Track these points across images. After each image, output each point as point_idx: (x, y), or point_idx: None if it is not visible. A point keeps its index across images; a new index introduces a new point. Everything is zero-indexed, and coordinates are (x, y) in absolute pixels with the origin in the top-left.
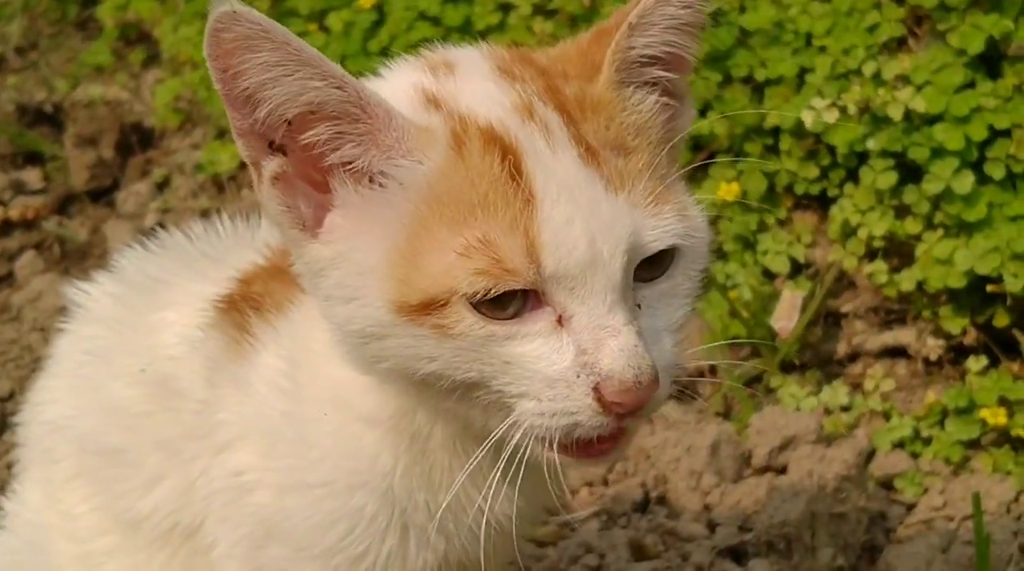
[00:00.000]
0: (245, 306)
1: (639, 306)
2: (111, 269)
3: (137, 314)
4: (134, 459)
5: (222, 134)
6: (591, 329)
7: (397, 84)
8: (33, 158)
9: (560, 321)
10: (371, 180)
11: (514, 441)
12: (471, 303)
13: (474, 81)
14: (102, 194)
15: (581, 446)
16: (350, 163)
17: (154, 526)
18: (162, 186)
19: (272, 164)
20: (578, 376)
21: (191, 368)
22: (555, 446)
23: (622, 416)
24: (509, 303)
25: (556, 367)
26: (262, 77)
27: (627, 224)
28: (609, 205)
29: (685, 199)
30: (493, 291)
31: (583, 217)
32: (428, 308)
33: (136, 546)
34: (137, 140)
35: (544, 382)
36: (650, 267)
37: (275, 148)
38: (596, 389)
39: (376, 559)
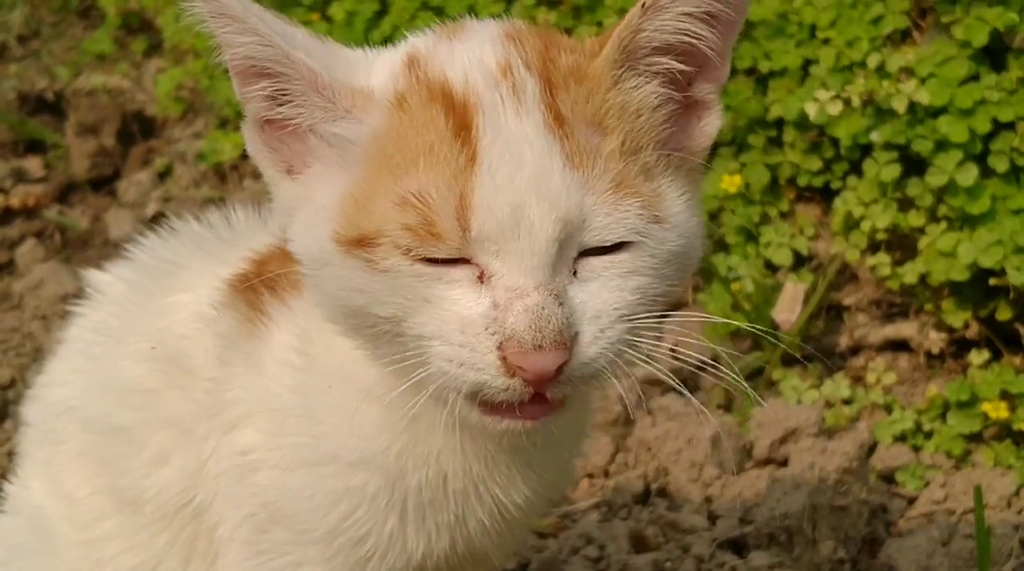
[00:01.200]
0: (259, 285)
1: (575, 274)
2: (126, 257)
3: (150, 296)
4: (140, 437)
5: (224, 123)
6: (505, 288)
7: (402, 49)
8: (34, 146)
9: (481, 278)
10: (323, 137)
11: (430, 388)
12: (396, 246)
13: (469, 44)
14: (103, 183)
15: (504, 408)
16: (301, 119)
17: (158, 506)
18: (163, 175)
19: (254, 107)
20: (486, 329)
21: (203, 346)
22: (474, 403)
23: (530, 382)
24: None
25: (468, 312)
26: (212, 26)
27: (572, 202)
28: (560, 178)
29: (665, 196)
30: (414, 252)
31: (521, 182)
32: (361, 243)
33: (137, 527)
34: (139, 129)
35: (456, 324)
36: (610, 248)
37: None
38: (500, 348)
39: (377, 542)
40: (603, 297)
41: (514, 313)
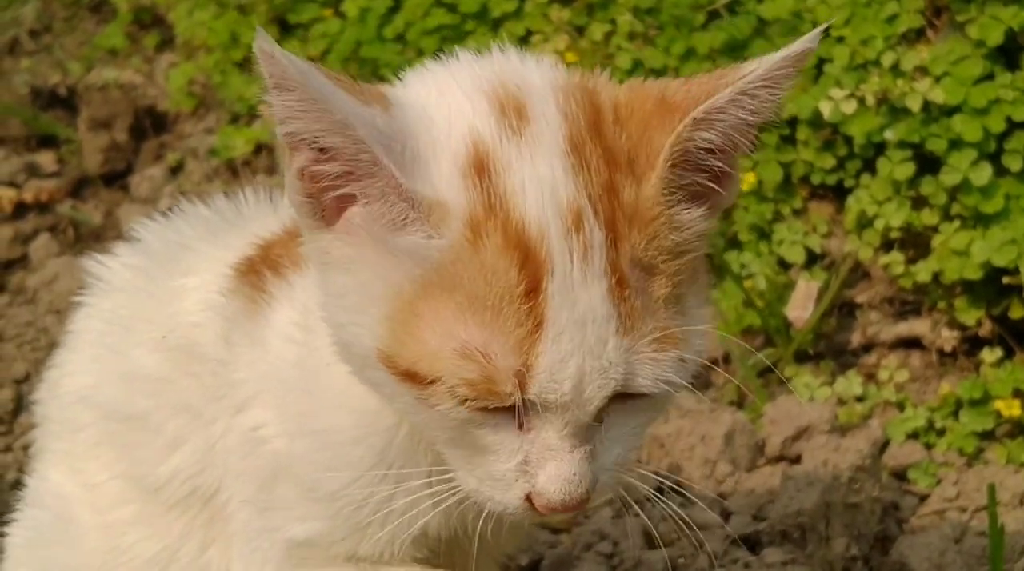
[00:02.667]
0: (263, 267)
1: (601, 421)
2: (130, 241)
3: (157, 282)
4: (155, 424)
5: (236, 119)
6: (543, 446)
7: (457, 114)
8: (47, 141)
9: (521, 427)
10: (385, 222)
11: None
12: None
13: (540, 154)
14: (116, 178)
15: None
16: (368, 198)
17: (173, 491)
18: (176, 170)
19: (300, 158)
20: (516, 480)
21: (212, 332)
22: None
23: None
24: None
25: (500, 467)
26: (289, 111)
27: (621, 371)
28: (613, 348)
29: (692, 333)
30: (471, 403)
31: (581, 357)
32: (412, 379)
33: (156, 513)
34: (151, 124)
35: (490, 468)
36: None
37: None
38: (528, 496)
39: (375, 511)
40: (623, 443)
41: (546, 474)
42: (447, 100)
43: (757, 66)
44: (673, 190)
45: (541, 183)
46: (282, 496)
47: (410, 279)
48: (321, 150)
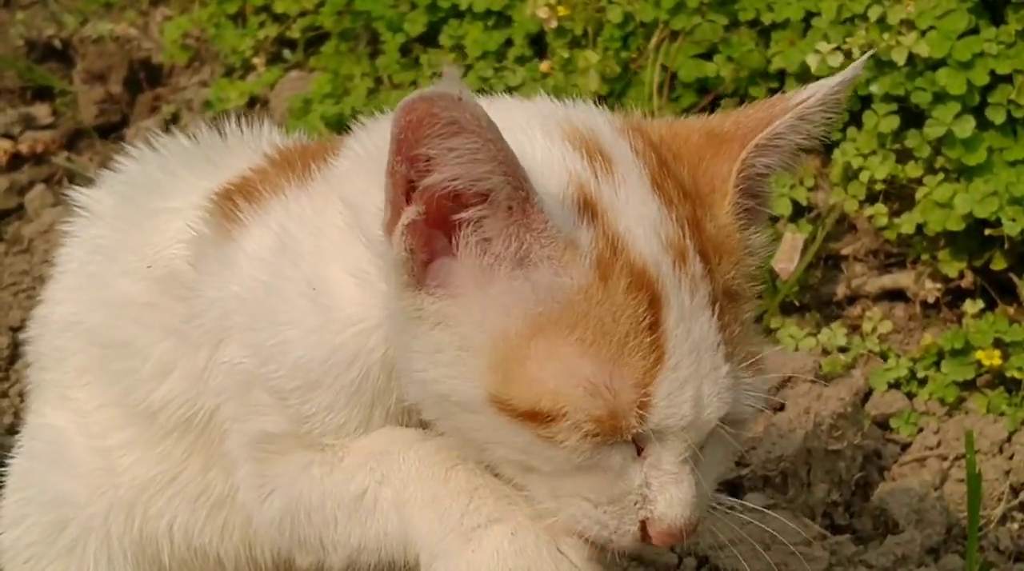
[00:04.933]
0: (239, 195)
1: (702, 448)
2: (114, 171)
3: (141, 212)
4: (142, 350)
5: (230, 71)
6: (661, 471)
7: (549, 159)
8: (42, 93)
9: (639, 452)
10: (503, 265)
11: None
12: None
13: (634, 194)
14: (111, 130)
15: None
16: (487, 241)
17: (169, 416)
18: (171, 123)
19: (412, 211)
20: (635, 504)
21: (190, 258)
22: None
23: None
24: None
25: (624, 487)
26: (451, 155)
27: (732, 395)
28: (724, 374)
29: (763, 355)
30: (593, 437)
31: (698, 382)
32: (534, 418)
33: (154, 438)
34: (146, 77)
35: (609, 495)
36: None
37: (413, 195)
38: (643, 523)
39: (356, 427)
40: (715, 471)
41: (666, 500)
42: (531, 140)
43: (815, 91)
44: (740, 216)
45: (644, 222)
46: (256, 401)
47: (522, 320)
48: (464, 193)
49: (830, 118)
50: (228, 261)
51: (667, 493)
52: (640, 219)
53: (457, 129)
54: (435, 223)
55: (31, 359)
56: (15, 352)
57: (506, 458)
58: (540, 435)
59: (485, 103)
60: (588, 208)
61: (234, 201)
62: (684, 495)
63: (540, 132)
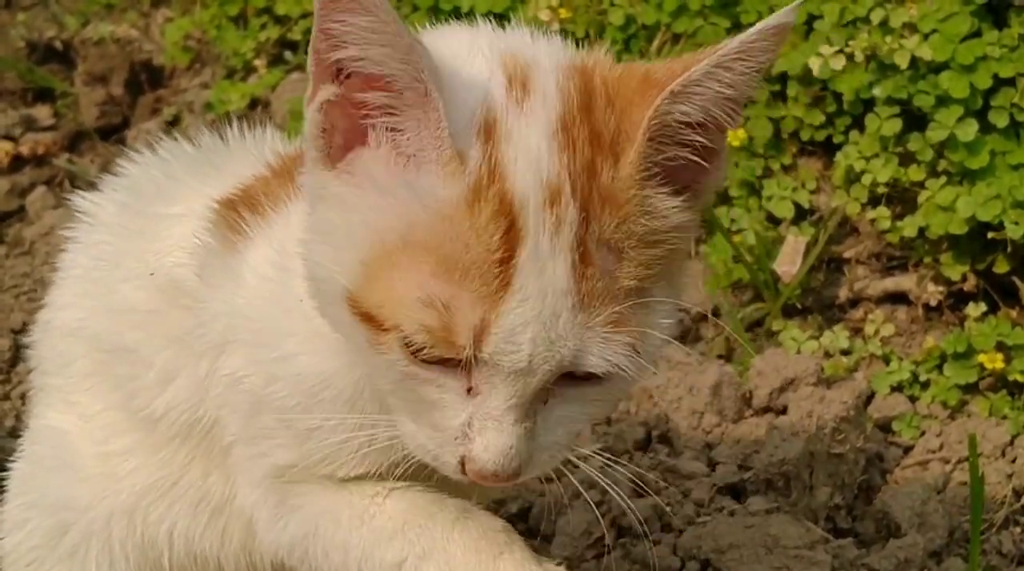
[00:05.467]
0: (242, 205)
1: (546, 402)
2: (116, 176)
3: (144, 219)
4: (146, 357)
5: (232, 73)
6: (485, 414)
7: (474, 79)
8: (43, 95)
9: (470, 391)
10: (402, 159)
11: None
12: (405, 343)
13: (534, 129)
14: (112, 131)
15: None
16: (396, 132)
17: (172, 423)
18: (172, 124)
19: (329, 90)
20: (455, 439)
21: (193, 268)
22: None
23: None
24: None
25: (448, 422)
26: (353, 33)
27: (572, 346)
28: (567, 323)
29: (652, 326)
30: (425, 352)
31: (537, 327)
32: (370, 320)
33: (156, 444)
34: (147, 78)
35: (433, 425)
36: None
37: (337, 78)
38: (462, 460)
39: (344, 448)
40: (564, 427)
41: (483, 441)
42: (471, 60)
43: (734, 40)
44: (652, 168)
45: (530, 157)
46: (264, 425)
47: (398, 227)
48: (370, 77)
49: (752, 67)
50: (233, 274)
51: (485, 437)
52: (528, 153)
53: (358, 7)
54: (353, 110)
55: (33, 363)
56: (16, 354)
57: (353, 350)
58: (371, 341)
59: (445, 28)
60: (488, 131)
61: (238, 212)
62: (501, 443)
63: (480, 56)
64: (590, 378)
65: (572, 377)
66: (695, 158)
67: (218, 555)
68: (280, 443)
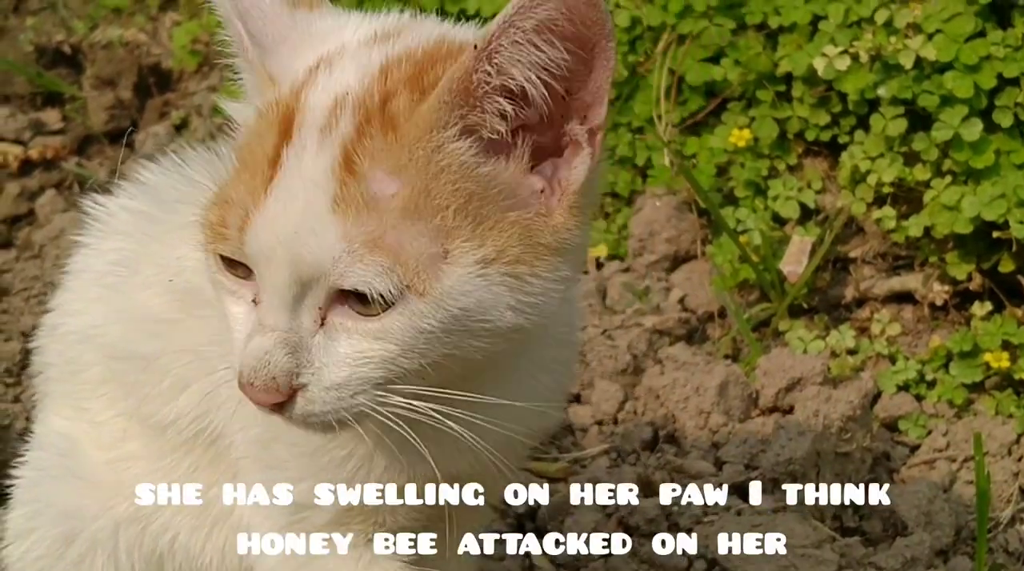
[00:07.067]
0: None
1: (323, 322)
2: (129, 182)
3: (161, 226)
4: (162, 365)
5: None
6: (257, 321)
7: (339, 36)
8: (52, 99)
9: (255, 301)
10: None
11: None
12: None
13: (360, 62)
14: (121, 135)
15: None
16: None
17: (179, 432)
18: (180, 128)
19: None
20: (239, 353)
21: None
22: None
23: (255, 403)
24: (239, 265)
25: (236, 336)
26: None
27: (318, 248)
28: (319, 219)
29: (443, 270)
30: (209, 247)
31: (284, 219)
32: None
33: (162, 451)
34: (155, 82)
35: (232, 344)
36: (363, 303)
37: None
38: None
39: (358, 463)
40: (349, 367)
41: (247, 349)
42: (344, 28)
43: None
44: (452, 118)
45: (334, 83)
46: (277, 455)
47: (246, 135)
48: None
49: (540, 21)
50: None
51: (251, 344)
52: (335, 79)
53: None
54: None
55: (38, 369)
56: (27, 358)
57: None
58: (200, 241)
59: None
60: (320, 64)
61: None
62: (256, 345)
63: (353, 29)
64: (364, 304)
65: (358, 307)
66: (500, 126)
67: (218, 569)
68: (293, 474)
